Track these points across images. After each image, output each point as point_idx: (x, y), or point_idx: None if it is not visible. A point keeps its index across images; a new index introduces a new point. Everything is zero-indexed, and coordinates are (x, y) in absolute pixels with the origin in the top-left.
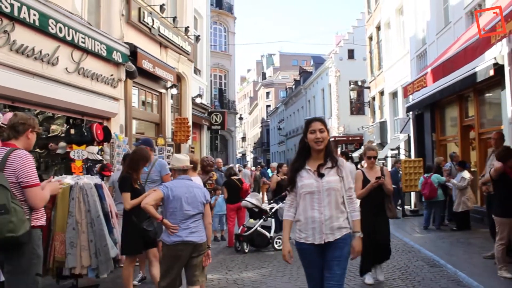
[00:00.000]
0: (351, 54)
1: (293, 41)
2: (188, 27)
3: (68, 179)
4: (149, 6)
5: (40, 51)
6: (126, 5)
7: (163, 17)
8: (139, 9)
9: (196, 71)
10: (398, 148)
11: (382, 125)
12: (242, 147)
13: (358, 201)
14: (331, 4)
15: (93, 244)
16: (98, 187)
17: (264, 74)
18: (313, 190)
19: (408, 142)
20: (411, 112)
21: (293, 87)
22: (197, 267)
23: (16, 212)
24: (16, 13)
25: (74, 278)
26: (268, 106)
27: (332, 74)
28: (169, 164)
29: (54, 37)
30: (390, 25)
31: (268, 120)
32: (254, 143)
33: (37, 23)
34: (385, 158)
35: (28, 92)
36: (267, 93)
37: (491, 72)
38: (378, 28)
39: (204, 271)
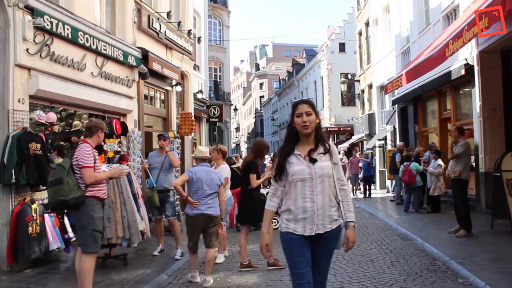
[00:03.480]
0: (342, 47)
1: (285, 36)
2: (190, 30)
3: (104, 167)
4: (157, 13)
5: (72, 59)
6: (137, 13)
7: (169, 22)
8: (149, 16)
9: (195, 67)
10: (385, 138)
11: (371, 117)
12: (236, 137)
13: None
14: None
15: (125, 219)
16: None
17: (257, 65)
18: (305, 177)
19: (394, 133)
20: (396, 105)
21: (286, 78)
22: (213, 234)
23: (68, 183)
24: (54, 29)
25: (110, 247)
26: (261, 96)
27: (324, 67)
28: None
29: (82, 46)
30: (378, 22)
31: (262, 111)
32: (248, 133)
33: (69, 36)
34: (373, 147)
35: (63, 94)
36: (261, 84)
37: (463, 72)
38: (367, 24)
39: (217, 238)
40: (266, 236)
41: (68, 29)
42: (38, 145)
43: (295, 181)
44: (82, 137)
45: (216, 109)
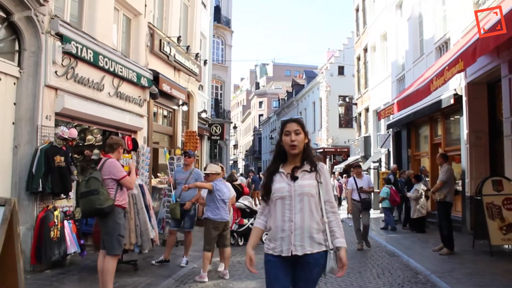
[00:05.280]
0: (341, 70)
1: (286, 57)
2: (198, 53)
3: None
4: (168, 37)
5: (92, 81)
6: (150, 38)
7: (178, 46)
8: (160, 40)
9: (200, 87)
10: (379, 160)
11: (367, 139)
12: (234, 154)
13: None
14: (324, 19)
15: (138, 227)
16: (140, 186)
17: (257, 84)
18: (284, 195)
19: (388, 155)
20: (391, 129)
21: (286, 98)
22: (227, 235)
23: (103, 194)
24: (79, 53)
25: (122, 253)
26: (260, 115)
27: (323, 89)
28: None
29: (101, 69)
30: (376, 49)
31: (261, 129)
32: (246, 151)
33: (91, 60)
34: (368, 169)
35: (83, 112)
36: (260, 103)
37: (452, 101)
38: (365, 50)
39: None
40: (250, 251)
41: (90, 53)
42: (62, 158)
43: (275, 199)
44: (98, 152)
45: (218, 127)
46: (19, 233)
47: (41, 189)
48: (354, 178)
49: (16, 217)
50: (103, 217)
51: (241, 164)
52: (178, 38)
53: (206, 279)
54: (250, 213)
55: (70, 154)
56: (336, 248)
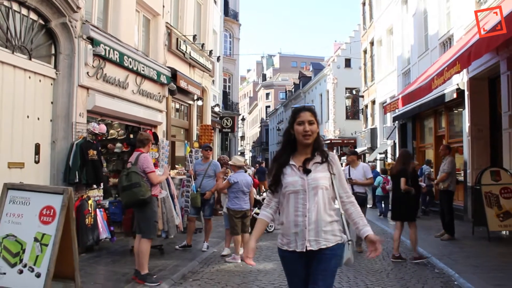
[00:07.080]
0: (348, 63)
1: (292, 51)
2: (211, 50)
3: (156, 171)
4: (184, 35)
5: (118, 79)
6: (168, 37)
7: (193, 43)
8: (177, 39)
9: (211, 81)
10: (385, 152)
11: (373, 131)
12: (241, 145)
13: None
14: (330, 12)
15: (165, 215)
16: None
17: (264, 75)
18: (298, 189)
19: (394, 147)
20: (396, 122)
21: (293, 90)
22: (247, 222)
23: (144, 185)
24: (107, 55)
25: None
26: (267, 106)
27: (330, 81)
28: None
29: (126, 68)
30: (382, 43)
31: (268, 121)
32: (253, 142)
33: (117, 60)
34: (374, 160)
35: (111, 109)
36: (267, 94)
37: (455, 95)
38: (372, 43)
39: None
40: (252, 243)
41: (116, 54)
42: (95, 152)
43: (288, 193)
44: (121, 145)
45: (229, 120)
46: (74, 217)
47: (77, 180)
48: (348, 167)
49: (72, 204)
50: (143, 206)
51: (248, 156)
52: (194, 37)
53: (239, 260)
54: (254, 203)
55: (99, 148)
56: (365, 237)
